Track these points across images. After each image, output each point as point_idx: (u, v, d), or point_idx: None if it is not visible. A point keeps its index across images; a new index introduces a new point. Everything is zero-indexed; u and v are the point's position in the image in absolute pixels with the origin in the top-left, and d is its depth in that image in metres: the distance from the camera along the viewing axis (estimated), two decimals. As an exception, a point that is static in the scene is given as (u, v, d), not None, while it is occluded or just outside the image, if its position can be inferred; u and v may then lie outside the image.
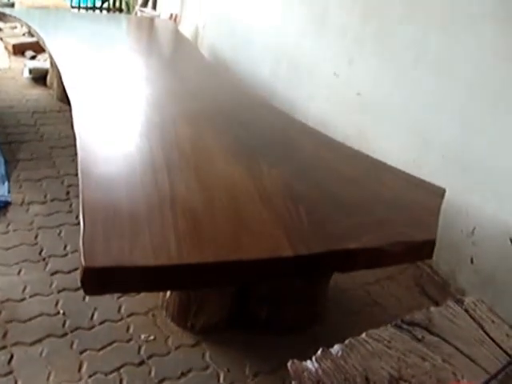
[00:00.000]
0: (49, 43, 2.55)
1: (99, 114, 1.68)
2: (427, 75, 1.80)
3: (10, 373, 1.24)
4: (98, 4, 5.39)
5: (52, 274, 1.59)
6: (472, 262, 1.70)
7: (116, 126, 1.58)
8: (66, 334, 1.36)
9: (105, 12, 5.34)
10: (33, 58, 3.84)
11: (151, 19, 3.97)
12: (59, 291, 1.52)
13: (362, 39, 2.09)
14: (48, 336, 1.35)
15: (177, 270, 1.07)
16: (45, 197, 1.98)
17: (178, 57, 2.75)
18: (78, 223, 1.11)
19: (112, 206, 1.17)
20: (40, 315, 1.43)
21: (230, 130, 1.63)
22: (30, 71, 3.49)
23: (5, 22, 4.19)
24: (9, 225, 1.78)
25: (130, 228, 1.10)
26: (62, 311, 1.45)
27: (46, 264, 1.63)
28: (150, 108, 1.76)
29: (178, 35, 3.24)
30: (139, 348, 1.37)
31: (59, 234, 1.77)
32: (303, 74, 2.48)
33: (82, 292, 1.03)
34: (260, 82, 2.87)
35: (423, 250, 1.30)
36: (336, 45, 2.23)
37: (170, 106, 1.79)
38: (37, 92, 3.21)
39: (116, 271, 1.04)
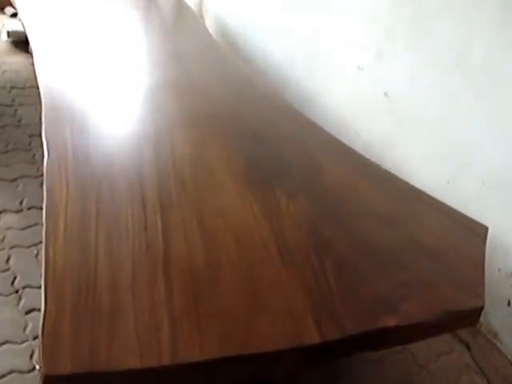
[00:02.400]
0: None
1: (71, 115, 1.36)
2: (471, 83, 1.45)
3: None
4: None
5: (27, 313, 1.35)
6: (509, 304, 1.46)
7: (93, 141, 1.23)
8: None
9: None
10: (14, 15, 3.37)
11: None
12: (35, 337, 1.25)
13: (394, 29, 1.72)
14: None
15: (170, 371, 0.83)
16: (20, 203, 1.71)
17: (178, 34, 2.31)
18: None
19: (86, 271, 0.90)
20: (10, 372, 1.19)
21: (241, 143, 1.31)
22: (9, 34, 3.05)
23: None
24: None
25: (109, 310, 0.84)
26: (38, 366, 1.23)
27: (20, 298, 1.39)
28: (141, 107, 1.43)
29: (180, 2, 2.82)
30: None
31: (37, 256, 1.52)
32: (322, 63, 2.11)
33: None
34: (272, 66, 2.49)
35: (469, 318, 1.05)
36: (362, 33, 1.84)
37: (165, 104, 1.45)
38: (16, 61, 2.79)
39: (89, 378, 0.79)
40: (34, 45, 1.76)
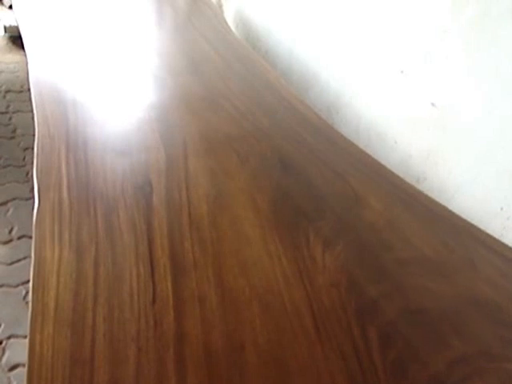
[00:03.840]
0: None
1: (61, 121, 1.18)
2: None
3: None
4: None
5: (11, 369, 1.16)
6: None
7: (93, 181, 1.00)
8: None
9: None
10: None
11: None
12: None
13: (449, 29, 1.52)
14: None
15: None
16: (10, 232, 1.52)
17: (193, 28, 2.07)
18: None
19: (81, 364, 0.72)
20: None
21: (266, 173, 1.11)
22: (6, 29, 2.83)
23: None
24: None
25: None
26: None
27: (3, 351, 1.18)
28: (147, 130, 1.24)
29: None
30: None
31: (25, 298, 1.32)
32: (357, 63, 1.90)
33: None
34: (296, 62, 2.26)
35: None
36: (409, 30, 1.62)
37: (177, 118, 1.23)
38: (14, 60, 2.54)
39: None
40: (27, 46, 1.57)
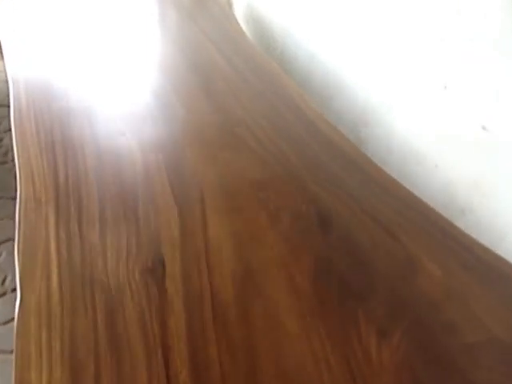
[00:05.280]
0: None
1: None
2: None
3: None
4: None
5: None
6: None
7: (89, 260, 0.79)
8: None
9: None
10: None
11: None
12: None
13: (505, 39, 1.29)
14: None
15: None
16: (3, 282, 1.31)
17: (204, 31, 1.81)
18: None
19: None
20: None
21: (304, 238, 0.88)
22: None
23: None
24: None
25: None
26: None
27: None
28: (155, 169, 1.03)
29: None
30: None
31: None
32: (391, 71, 1.66)
33: None
34: (316, 67, 2.02)
35: None
36: (455, 39, 1.41)
37: (191, 161, 1.02)
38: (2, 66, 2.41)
39: None
40: (8, 66, 1.36)
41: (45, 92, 1.25)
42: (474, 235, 1.00)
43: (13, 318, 1.20)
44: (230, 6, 2.76)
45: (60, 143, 0.98)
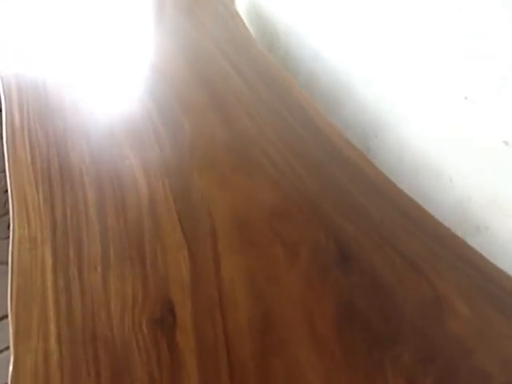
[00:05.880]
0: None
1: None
2: None
3: None
4: None
5: None
6: None
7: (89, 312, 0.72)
8: None
9: None
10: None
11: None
12: None
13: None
14: None
15: None
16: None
17: (209, 34, 1.70)
18: None
19: None
20: None
21: (327, 276, 0.81)
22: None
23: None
24: None
25: None
26: None
27: None
28: (162, 199, 0.92)
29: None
30: None
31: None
32: (404, 78, 1.56)
33: None
34: (324, 68, 1.91)
35: None
36: (478, 48, 1.33)
37: (200, 189, 0.93)
38: None
39: None
40: None
41: (41, 111, 1.16)
42: (489, 253, 0.93)
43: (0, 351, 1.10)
44: (233, 1, 2.67)
45: (57, 172, 0.90)
